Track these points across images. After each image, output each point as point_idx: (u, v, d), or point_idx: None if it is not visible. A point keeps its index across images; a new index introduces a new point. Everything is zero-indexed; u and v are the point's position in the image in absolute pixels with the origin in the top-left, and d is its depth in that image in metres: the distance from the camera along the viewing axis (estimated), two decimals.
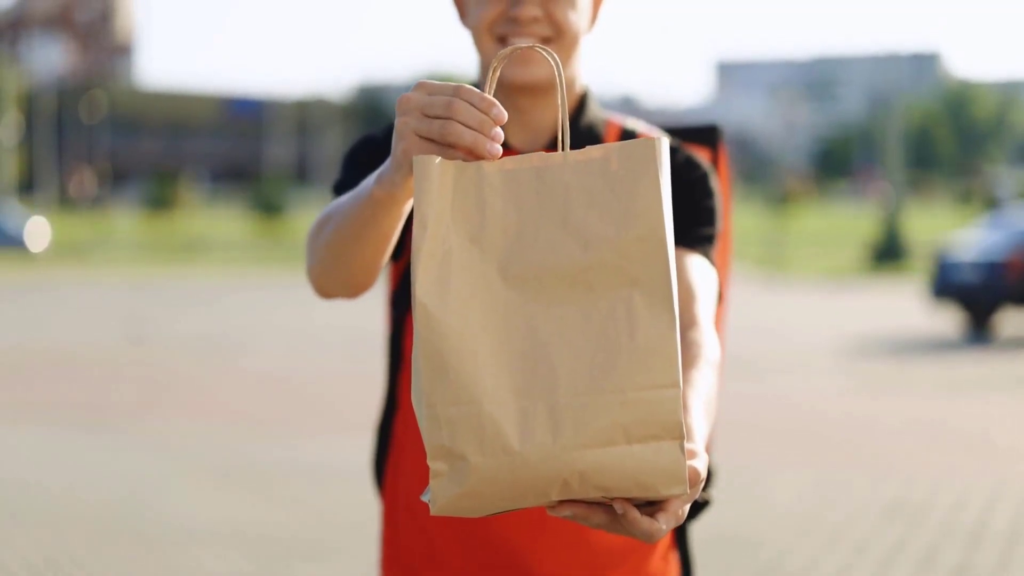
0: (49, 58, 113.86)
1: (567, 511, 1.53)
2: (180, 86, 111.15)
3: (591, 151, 1.56)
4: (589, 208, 1.54)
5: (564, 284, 1.53)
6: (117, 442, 10.21)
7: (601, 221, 1.53)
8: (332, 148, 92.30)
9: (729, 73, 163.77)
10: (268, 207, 60.11)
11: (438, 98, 1.57)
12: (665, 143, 1.55)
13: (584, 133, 2.28)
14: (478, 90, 1.57)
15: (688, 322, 1.97)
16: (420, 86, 1.59)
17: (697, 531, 4.82)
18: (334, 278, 2.02)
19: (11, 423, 11.05)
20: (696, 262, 2.13)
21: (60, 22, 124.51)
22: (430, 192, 1.54)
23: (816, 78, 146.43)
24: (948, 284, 19.52)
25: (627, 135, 2.32)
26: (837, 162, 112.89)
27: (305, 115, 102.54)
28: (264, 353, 16.39)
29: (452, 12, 2.29)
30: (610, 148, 1.55)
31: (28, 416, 11.45)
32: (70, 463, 9.38)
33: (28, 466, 9.29)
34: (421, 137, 1.59)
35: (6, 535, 7.39)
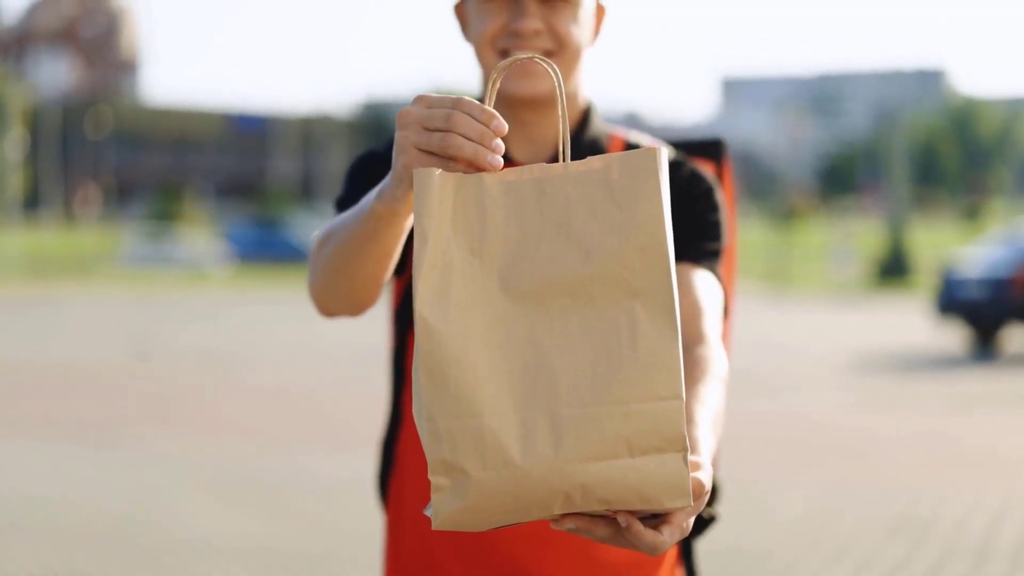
0: (54, 74, 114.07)
1: (570, 524, 1.52)
2: (185, 102, 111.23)
3: (592, 161, 1.55)
4: (590, 218, 1.53)
5: (565, 295, 1.52)
6: (121, 456, 10.21)
7: (602, 231, 1.52)
8: (336, 164, 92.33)
9: (734, 89, 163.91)
10: (272, 223, 60.19)
11: (438, 111, 1.56)
12: (664, 152, 1.54)
13: (587, 147, 2.28)
14: (478, 102, 1.57)
15: (695, 337, 1.96)
16: (419, 99, 1.59)
17: (704, 544, 4.82)
18: (336, 295, 2.02)
19: (16, 437, 11.04)
20: (702, 277, 2.12)
21: (65, 38, 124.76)
22: (430, 205, 1.54)
23: (821, 94, 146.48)
24: (953, 300, 19.51)
25: (631, 148, 2.31)
26: (842, 178, 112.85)
27: (310, 131, 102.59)
28: (269, 368, 16.39)
29: (455, 27, 2.29)
30: (611, 158, 1.54)
31: (32, 430, 11.44)
32: (74, 477, 9.37)
33: (32, 480, 9.28)
34: (421, 150, 1.58)
35: (9, 549, 7.38)
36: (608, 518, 1.53)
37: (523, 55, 1.61)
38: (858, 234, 45.81)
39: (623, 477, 1.48)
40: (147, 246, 46.05)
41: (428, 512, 1.53)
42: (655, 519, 1.53)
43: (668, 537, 1.52)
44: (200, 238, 49.97)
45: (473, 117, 1.55)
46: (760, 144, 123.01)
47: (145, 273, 41.20)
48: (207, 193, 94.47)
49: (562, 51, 2.15)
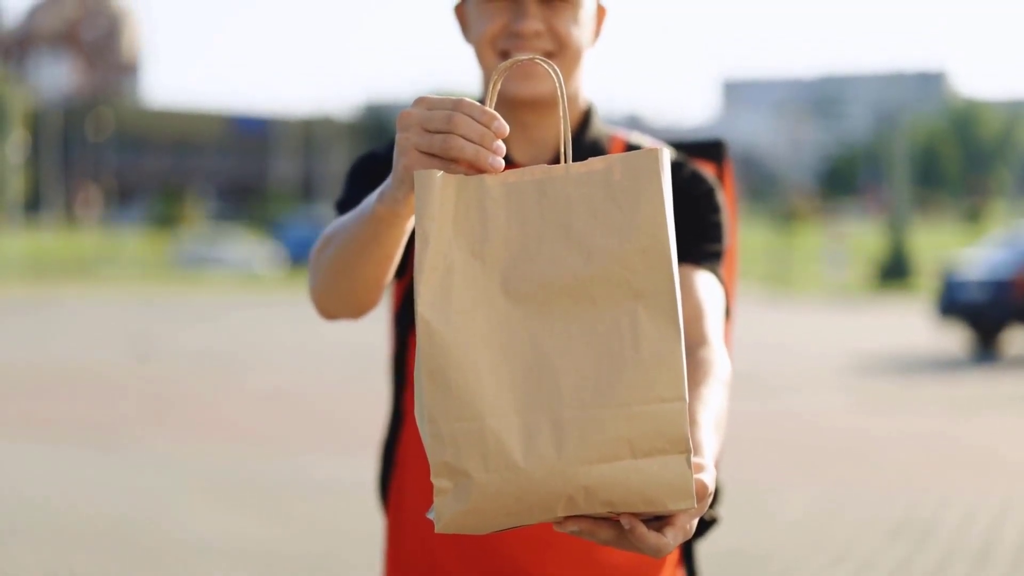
0: (55, 76, 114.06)
1: (573, 527, 1.51)
2: (186, 104, 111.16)
3: (593, 163, 1.55)
4: (592, 220, 1.53)
5: (567, 297, 1.52)
6: (122, 458, 10.20)
7: (604, 233, 1.52)
8: (337, 166, 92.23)
9: (735, 91, 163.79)
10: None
11: (438, 112, 1.56)
12: (666, 153, 1.54)
13: (588, 148, 2.27)
14: (478, 103, 1.56)
15: (698, 340, 1.96)
16: (420, 101, 1.58)
17: (705, 546, 4.81)
18: (336, 298, 2.01)
19: (16, 439, 11.04)
20: (704, 278, 2.12)
21: (67, 40, 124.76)
22: (431, 207, 1.53)
23: (822, 96, 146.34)
24: (955, 302, 19.50)
25: (632, 150, 2.30)
26: (843, 180, 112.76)
27: (311, 133, 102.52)
28: (270, 370, 16.38)
29: (455, 28, 2.28)
30: (612, 159, 1.54)
31: (33, 432, 11.44)
32: (74, 479, 9.37)
33: (32, 482, 9.27)
34: (422, 152, 1.57)
35: (9, 551, 7.38)
36: (611, 520, 1.52)
37: (524, 56, 1.61)
38: (850, 236, 45.81)
39: (626, 479, 1.48)
40: (199, 247, 45.96)
41: (430, 515, 1.52)
42: (658, 521, 1.52)
43: (671, 539, 1.52)
44: (253, 240, 49.89)
45: (474, 118, 1.54)
46: (761, 146, 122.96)
47: (196, 275, 41.16)
48: (208, 195, 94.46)
49: (563, 52, 2.15)
